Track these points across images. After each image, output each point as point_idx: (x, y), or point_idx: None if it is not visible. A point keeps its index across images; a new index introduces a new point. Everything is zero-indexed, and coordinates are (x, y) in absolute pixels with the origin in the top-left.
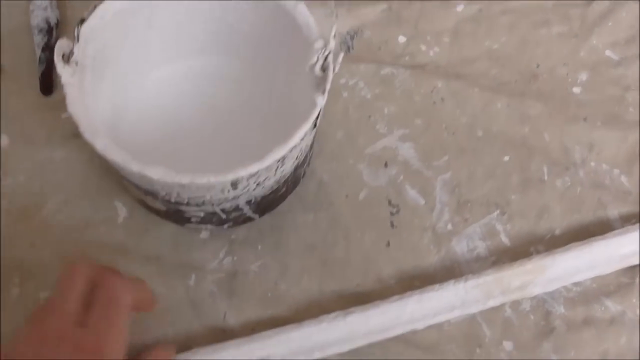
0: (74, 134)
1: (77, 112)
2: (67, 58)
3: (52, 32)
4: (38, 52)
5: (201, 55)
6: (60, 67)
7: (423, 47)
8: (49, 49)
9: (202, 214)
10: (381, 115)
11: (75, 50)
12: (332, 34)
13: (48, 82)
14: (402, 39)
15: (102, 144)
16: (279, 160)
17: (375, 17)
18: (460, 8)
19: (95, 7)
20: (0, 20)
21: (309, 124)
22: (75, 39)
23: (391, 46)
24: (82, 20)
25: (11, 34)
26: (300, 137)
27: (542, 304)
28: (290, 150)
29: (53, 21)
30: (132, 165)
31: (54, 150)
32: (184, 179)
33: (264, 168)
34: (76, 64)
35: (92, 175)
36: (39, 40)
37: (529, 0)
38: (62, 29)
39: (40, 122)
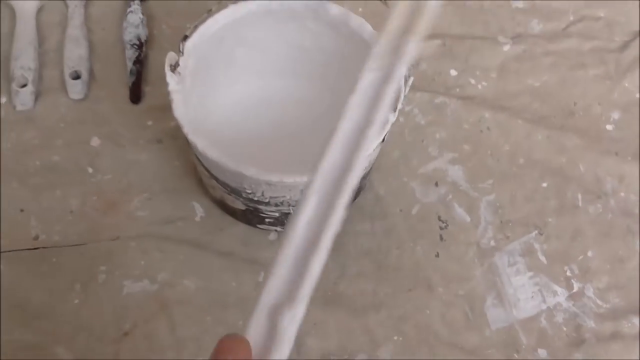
0: (157, 139)
1: (181, 116)
2: (173, 68)
3: (142, 47)
4: (129, 64)
5: (279, 77)
6: (169, 76)
7: (472, 81)
8: (139, 62)
9: (277, 215)
10: (433, 139)
11: (181, 63)
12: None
13: (137, 92)
14: (453, 72)
15: (203, 144)
16: None
17: (431, 50)
18: (507, 47)
19: (196, 26)
20: (94, 34)
21: (381, 137)
22: (180, 52)
23: (444, 78)
24: (186, 37)
25: (104, 47)
26: (373, 147)
27: (574, 317)
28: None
29: (143, 38)
30: (229, 163)
31: (140, 153)
32: (274, 178)
33: None
34: (179, 73)
35: (173, 177)
36: (130, 54)
37: (569, 45)
38: (151, 44)
39: (128, 127)
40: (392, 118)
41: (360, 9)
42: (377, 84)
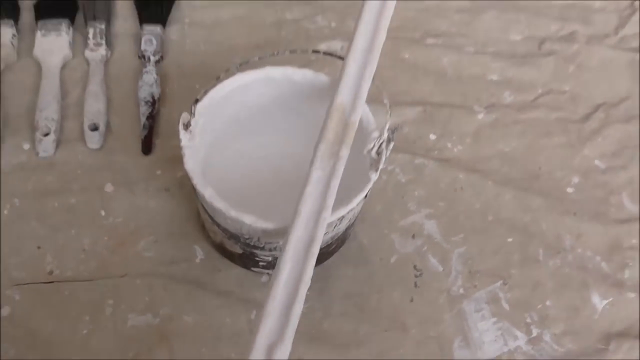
0: (165, 188)
1: (191, 169)
2: (185, 127)
3: (155, 104)
4: (142, 119)
5: (277, 135)
6: (181, 134)
7: (449, 145)
8: (151, 117)
9: (270, 259)
10: (412, 196)
11: (192, 122)
12: (387, 127)
13: (148, 145)
14: (432, 136)
15: (210, 194)
16: (339, 219)
17: (413, 116)
18: (481, 116)
19: (206, 91)
20: (112, 91)
21: (364, 193)
22: (191, 114)
23: (424, 141)
24: (197, 101)
25: (120, 103)
26: (357, 202)
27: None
28: (348, 212)
29: (156, 95)
30: (231, 211)
31: (149, 199)
32: (270, 225)
33: (331, 222)
34: (190, 132)
35: (177, 222)
36: (144, 110)
37: (537, 115)
38: (162, 101)
39: (139, 176)
40: (374, 177)
41: None
42: (324, 180)
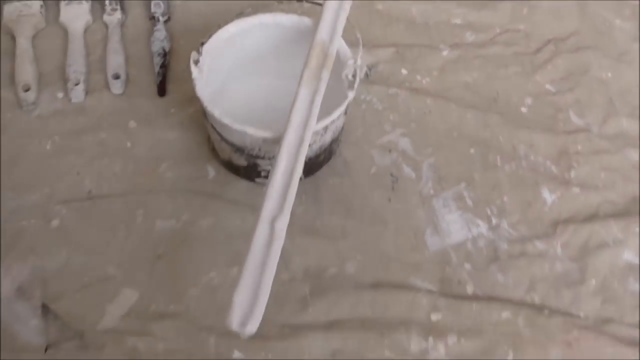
0: (179, 122)
1: (202, 95)
2: (195, 63)
3: (166, 56)
4: (157, 68)
5: (270, 74)
6: (192, 68)
7: (418, 77)
8: (164, 66)
9: (269, 168)
10: (387, 120)
11: (200, 60)
12: (359, 55)
13: (163, 88)
14: (404, 71)
15: (219, 112)
16: (323, 128)
17: (386, 56)
18: (445, 53)
19: (210, 35)
20: (129, 47)
21: (343, 107)
22: (199, 53)
23: (397, 76)
24: (203, 43)
25: (137, 56)
26: (337, 114)
27: (492, 242)
28: (331, 123)
29: (167, 48)
30: (236, 124)
31: (166, 132)
32: (268, 134)
33: (317, 130)
34: (199, 67)
35: (191, 149)
36: (157, 60)
37: (495, 50)
38: (171, 54)
39: (157, 114)
40: (351, 94)
41: None
42: (310, 96)
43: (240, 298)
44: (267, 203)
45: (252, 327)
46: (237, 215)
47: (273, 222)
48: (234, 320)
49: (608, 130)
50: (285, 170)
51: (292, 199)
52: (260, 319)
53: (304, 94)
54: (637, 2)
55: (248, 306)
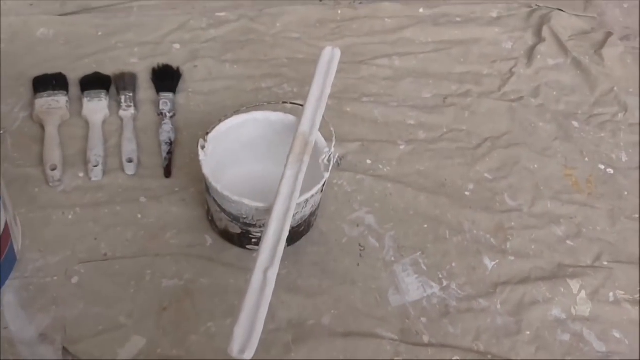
0: (182, 199)
1: (207, 172)
2: (202, 148)
3: (171, 145)
4: (164, 154)
5: (261, 160)
6: (200, 152)
7: (380, 166)
8: (170, 153)
9: (259, 235)
10: (356, 200)
11: (206, 145)
12: (333, 144)
13: (168, 171)
14: (369, 161)
15: (221, 186)
16: (305, 201)
17: (354, 148)
18: (402, 147)
19: (214, 126)
20: (140, 137)
21: (320, 185)
22: (205, 140)
23: (363, 165)
24: (208, 133)
25: (147, 145)
26: (316, 190)
27: (443, 300)
28: (311, 197)
29: (172, 139)
30: (234, 196)
31: (171, 207)
32: (261, 205)
33: (300, 202)
34: (204, 151)
35: (192, 221)
36: (164, 148)
37: (442, 146)
38: (176, 144)
39: (163, 192)
40: (327, 175)
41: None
42: (294, 175)
43: (239, 331)
44: (261, 256)
45: (249, 354)
46: (231, 275)
47: (266, 271)
48: (235, 349)
49: (536, 210)
50: (275, 231)
51: (281, 254)
52: (256, 347)
53: (289, 173)
54: (556, 109)
55: (246, 337)
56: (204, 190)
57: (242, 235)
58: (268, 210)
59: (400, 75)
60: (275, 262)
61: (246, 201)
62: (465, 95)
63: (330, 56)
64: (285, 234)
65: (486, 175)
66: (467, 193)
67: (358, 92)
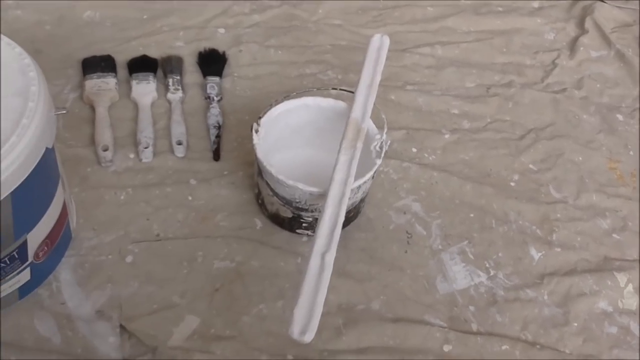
0: (231, 182)
1: (261, 156)
2: (256, 132)
3: (219, 128)
4: (212, 138)
5: (308, 146)
6: (254, 135)
7: (425, 155)
8: (218, 136)
9: (310, 219)
10: (402, 188)
11: (259, 129)
12: (385, 131)
13: (217, 154)
14: (414, 149)
15: (275, 170)
16: (357, 187)
17: (399, 136)
18: (447, 136)
19: (265, 111)
20: (188, 121)
21: (372, 172)
22: (258, 124)
23: (408, 153)
24: (260, 117)
25: (195, 128)
26: (368, 177)
27: (490, 289)
28: (363, 183)
29: (220, 122)
30: (289, 180)
31: (221, 189)
32: (315, 189)
33: (352, 188)
34: (258, 135)
35: (241, 204)
36: (213, 132)
37: (487, 135)
38: (224, 127)
39: (213, 174)
40: (379, 162)
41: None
42: (348, 161)
43: (300, 313)
44: (318, 240)
45: (309, 336)
46: (280, 258)
47: (323, 255)
48: (295, 330)
49: (581, 203)
50: (331, 216)
51: (337, 239)
52: (315, 330)
53: (343, 159)
54: (600, 101)
55: (306, 320)
56: (255, 173)
57: (292, 220)
58: (321, 195)
59: (443, 64)
60: (332, 247)
61: (301, 185)
62: (508, 86)
63: (380, 43)
64: (341, 219)
65: (531, 166)
66: (512, 183)
67: (401, 80)
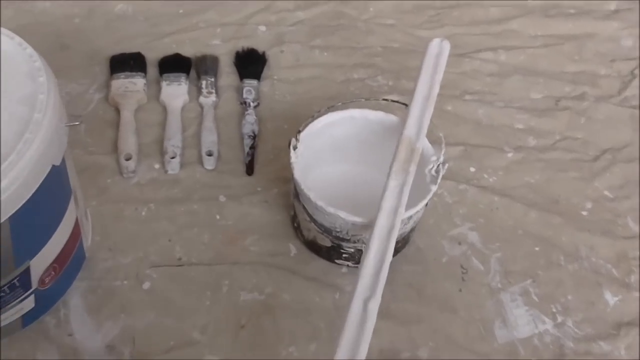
0: (264, 200)
1: (298, 177)
2: (294, 148)
3: (255, 138)
4: (246, 149)
5: (352, 162)
6: (291, 153)
7: (485, 175)
8: (253, 147)
9: (352, 250)
10: (457, 213)
11: (298, 146)
12: (442, 152)
13: (251, 168)
14: (472, 169)
15: (314, 195)
16: (408, 218)
17: (456, 154)
18: (510, 155)
19: (306, 124)
20: (221, 128)
21: (426, 200)
22: (297, 139)
23: (465, 173)
24: (299, 131)
25: (228, 136)
26: (422, 206)
27: (557, 339)
28: (415, 213)
29: (256, 131)
30: (329, 208)
31: (252, 208)
32: (359, 219)
33: (402, 219)
34: (296, 153)
35: (275, 226)
36: (247, 142)
37: (555, 155)
38: (260, 136)
39: (244, 191)
40: (434, 188)
41: None
42: (399, 187)
43: None
44: (360, 282)
45: None
46: (315, 292)
47: (366, 302)
48: None
49: None
50: (377, 253)
51: (384, 282)
52: None
53: (393, 184)
54: None
55: None
56: (291, 194)
57: (331, 249)
58: (366, 226)
59: (506, 71)
60: (378, 292)
61: (342, 214)
62: (581, 99)
63: (439, 49)
64: (389, 257)
65: (606, 193)
66: (584, 213)
67: (460, 89)
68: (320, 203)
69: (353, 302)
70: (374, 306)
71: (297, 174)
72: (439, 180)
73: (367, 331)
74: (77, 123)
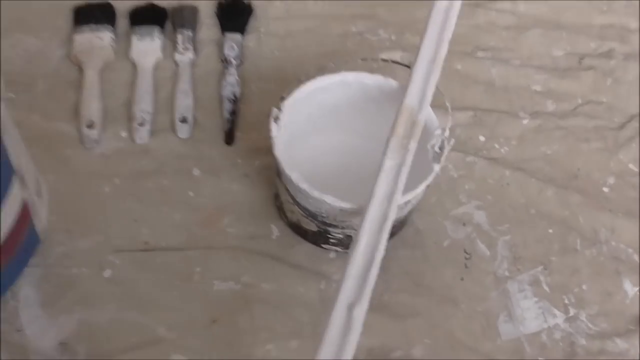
0: (245, 174)
1: (279, 155)
2: (275, 120)
3: (236, 102)
4: (226, 114)
5: (345, 132)
6: (272, 126)
7: (497, 145)
8: (234, 113)
9: (341, 236)
10: (463, 189)
11: (280, 116)
12: (448, 125)
13: (231, 136)
14: (482, 138)
15: (296, 176)
16: (405, 203)
17: (464, 120)
18: (525, 121)
19: (290, 91)
20: (198, 89)
21: (428, 182)
22: (279, 109)
23: (474, 142)
24: (283, 98)
25: (206, 100)
26: (422, 189)
27: (569, 336)
28: (413, 198)
29: (238, 94)
30: (314, 192)
31: (231, 184)
32: (347, 205)
33: (399, 204)
34: (279, 124)
35: (255, 204)
36: (227, 106)
37: (576, 122)
38: (242, 100)
39: (222, 163)
40: (437, 168)
41: None
42: (395, 168)
43: None
44: (345, 284)
45: None
46: (299, 281)
47: (351, 308)
48: None
49: None
50: (366, 249)
51: (372, 285)
52: None
53: (389, 165)
54: None
55: None
56: (273, 171)
57: (317, 234)
58: (355, 212)
59: (525, 24)
60: (364, 297)
61: (329, 199)
62: (608, 56)
63: (448, 3)
64: (380, 254)
65: (631, 166)
66: (605, 189)
67: (472, 45)
68: (303, 186)
69: (335, 307)
70: (360, 312)
71: (279, 151)
72: (443, 159)
73: (351, 343)
74: None
